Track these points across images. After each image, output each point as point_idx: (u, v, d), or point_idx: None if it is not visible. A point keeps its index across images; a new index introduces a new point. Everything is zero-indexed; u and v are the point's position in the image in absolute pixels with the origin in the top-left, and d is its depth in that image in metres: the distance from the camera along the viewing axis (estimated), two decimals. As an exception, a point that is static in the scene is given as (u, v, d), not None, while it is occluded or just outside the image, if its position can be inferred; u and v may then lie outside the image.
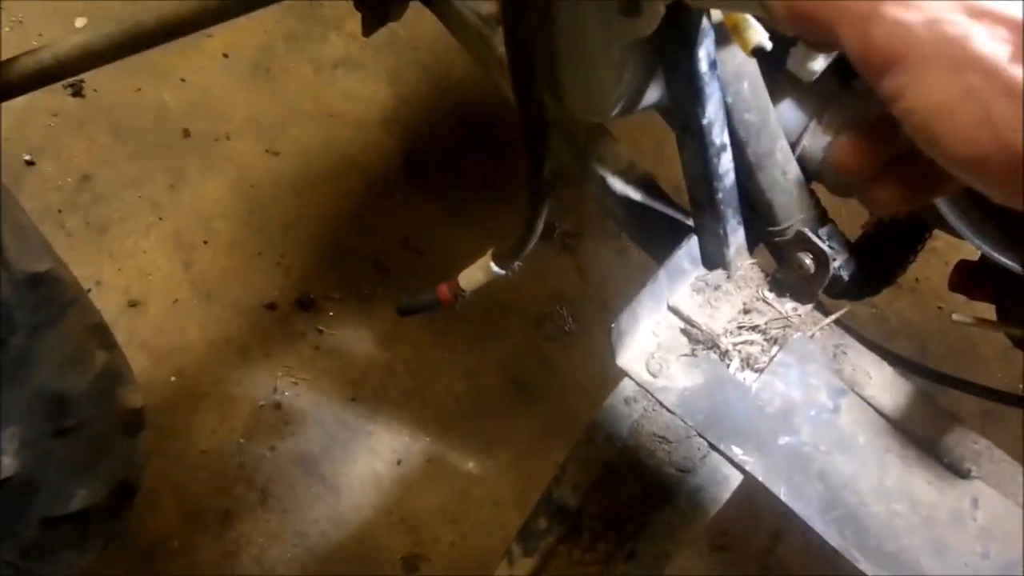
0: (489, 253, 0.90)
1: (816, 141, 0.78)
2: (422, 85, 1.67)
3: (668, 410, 0.75)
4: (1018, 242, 0.68)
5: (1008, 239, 0.68)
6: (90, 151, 1.49)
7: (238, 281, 1.41)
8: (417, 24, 1.50)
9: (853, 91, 0.76)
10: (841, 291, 0.83)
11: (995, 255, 0.67)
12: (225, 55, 1.62)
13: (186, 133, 1.53)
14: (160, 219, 1.43)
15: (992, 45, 0.33)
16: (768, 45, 0.59)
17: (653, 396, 0.71)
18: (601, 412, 0.71)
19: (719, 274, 0.83)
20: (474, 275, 0.91)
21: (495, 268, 0.89)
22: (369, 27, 1.00)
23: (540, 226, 0.84)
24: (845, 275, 0.80)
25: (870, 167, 0.46)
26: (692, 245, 0.82)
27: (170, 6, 1.00)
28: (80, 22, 1.57)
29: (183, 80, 1.57)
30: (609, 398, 0.71)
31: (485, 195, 1.54)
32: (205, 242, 1.44)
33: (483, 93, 1.62)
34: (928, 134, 0.34)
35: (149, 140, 1.50)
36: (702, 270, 0.83)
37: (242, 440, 1.28)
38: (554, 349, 1.46)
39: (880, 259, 0.82)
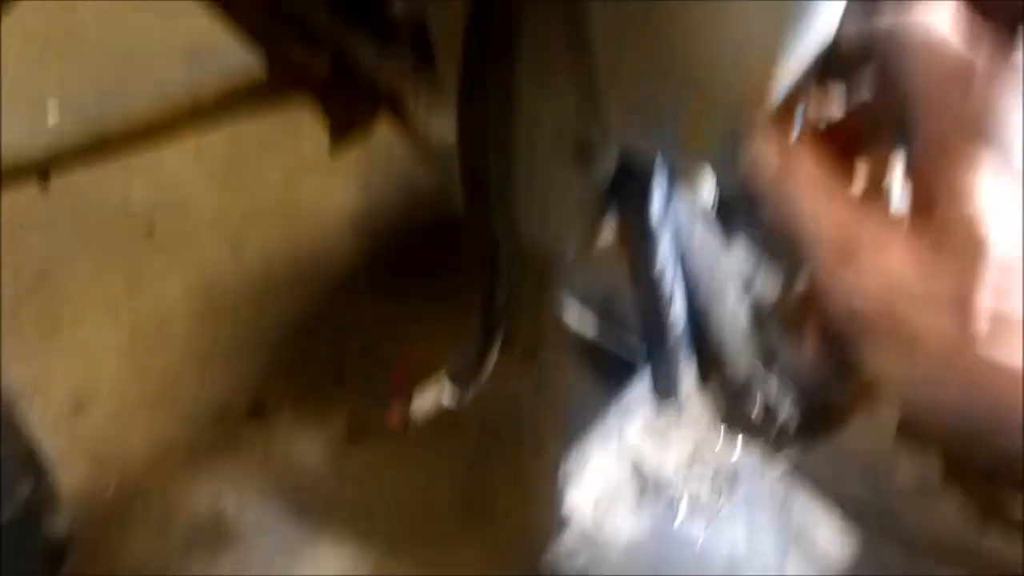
0: (440, 378, 0.89)
1: (767, 286, 0.79)
2: (392, 192, 1.68)
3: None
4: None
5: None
6: (51, 246, 1.47)
7: (190, 385, 1.38)
8: (391, 132, 1.53)
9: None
10: (791, 436, 0.83)
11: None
12: (196, 154, 1.63)
13: (150, 231, 1.52)
14: (115, 319, 1.41)
15: (939, 331, 0.33)
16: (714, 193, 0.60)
17: (596, 551, 0.70)
18: (544, 564, 0.69)
19: (671, 412, 0.82)
20: (423, 399, 0.90)
21: (446, 395, 0.88)
22: (336, 141, 1.01)
23: (494, 357, 0.83)
24: (792, 424, 0.80)
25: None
26: (645, 382, 0.82)
27: (149, 109, 1.02)
28: (53, 111, 1.58)
29: (152, 178, 1.58)
30: (553, 548, 0.69)
31: (449, 303, 1.54)
32: (159, 344, 1.41)
33: (452, 203, 1.64)
34: (887, 398, 0.36)
35: (112, 237, 1.49)
36: (654, 408, 0.83)
37: (179, 556, 1.23)
38: (509, 466, 1.43)
39: (827, 409, 0.82)
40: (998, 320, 0.32)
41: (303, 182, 1.67)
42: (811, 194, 0.39)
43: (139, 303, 1.45)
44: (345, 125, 1.00)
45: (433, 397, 0.88)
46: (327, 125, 1.00)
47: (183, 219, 1.55)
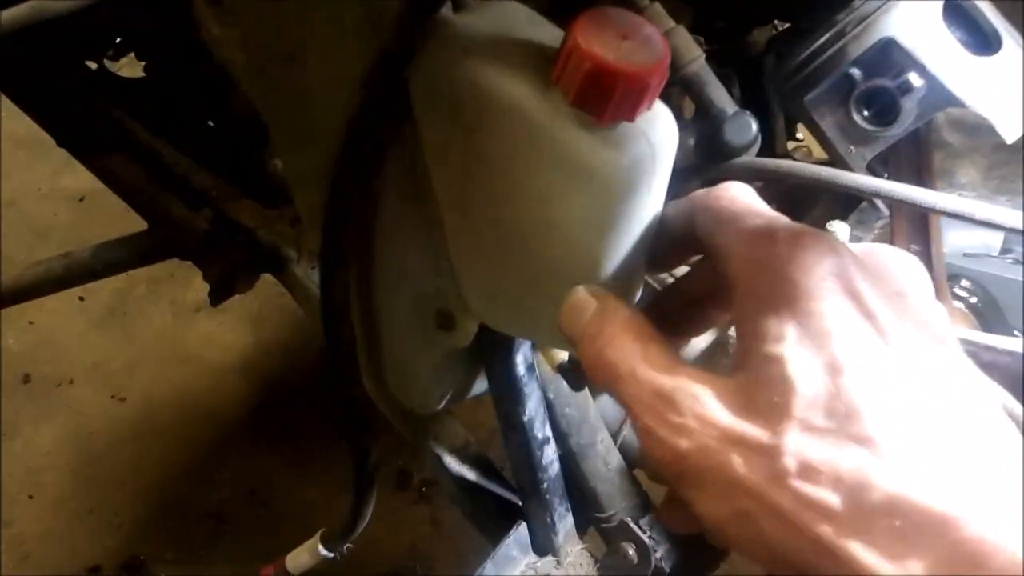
0: (318, 535, 0.87)
1: (635, 432, 0.82)
2: (284, 330, 1.68)
3: None
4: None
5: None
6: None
7: (61, 542, 1.31)
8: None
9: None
10: (668, 577, 0.85)
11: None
12: (81, 298, 1.60)
13: (26, 379, 1.47)
14: (-18, 472, 1.34)
15: (751, 470, 0.35)
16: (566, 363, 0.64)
17: None
18: None
19: (549, 561, 0.83)
20: (301, 558, 0.88)
21: (323, 551, 0.86)
22: (217, 299, 1.01)
23: (368, 512, 0.83)
24: (667, 566, 0.82)
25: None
26: (521, 531, 0.83)
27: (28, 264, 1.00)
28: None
29: (31, 323, 1.53)
30: None
31: (338, 447, 1.52)
32: (30, 497, 1.34)
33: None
34: (721, 539, 0.37)
35: (-17, 387, 1.43)
36: (532, 556, 0.83)
37: None
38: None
39: (702, 551, 0.84)
40: (804, 457, 0.34)
41: (193, 323, 1.65)
42: (627, 346, 0.41)
43: (10, 455, 1.38)
44: (226, 283, 1.01)
45: (308, 555, 0.86)
46: (209, 284, 1.01)
47: (62, 365, 1.50)
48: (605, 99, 0.44)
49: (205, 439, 1.47)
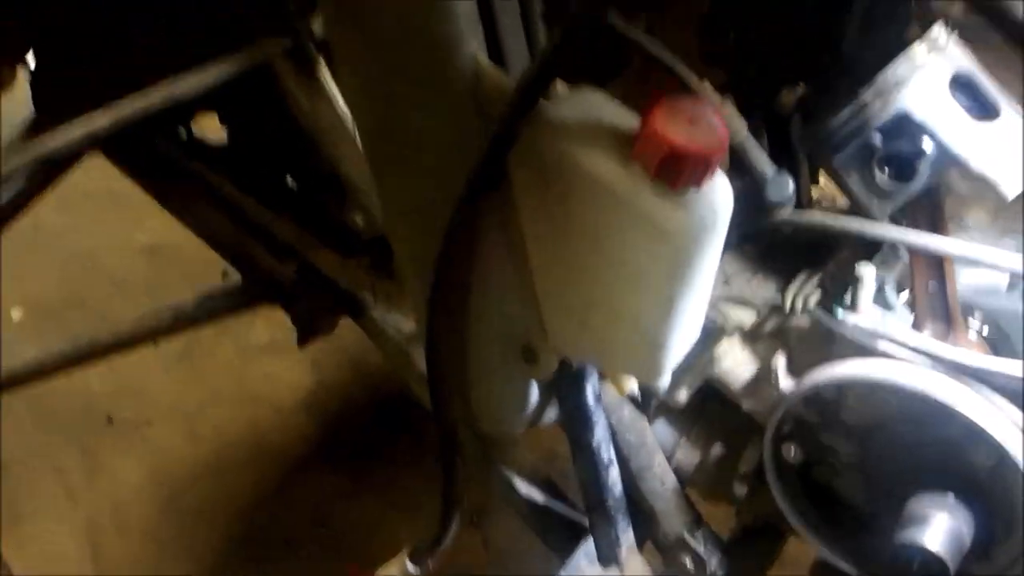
0: (404, 551, 0.97)
1: (687, 455, 0.92)
2: (344, 370, 1.79)
3: None
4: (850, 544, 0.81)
5: (843, 542, 0.81)
6: (13, 438, 1.52)
7: (147, 570, 1.41)
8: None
9: (712, 410, 0.91)
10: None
11: (832, 557, 0.80)
12: (155, 343, 1.72)
13: (109, 419, 1.59)
14: (74, 508, 1.45)
15: None
16: (637, 393, 0.74)
17: None
18: None
19: (613, 571, 0.92)
20: (390, 571, 0.98)
21: (411, 567, 0.96)
22: (303, 340, 1.13)
23: (454, 529, 0.93)
24: (720, 574, 0.91)
25: None
26: (588, 545, 0.92)
27: (125, 318, 1.12)
28: (16, 314, 1.67)
29: (112, 367, 1.65)
30: None
31: (400, 476, 1.62)
32: (117, 530, 1.45)
33: (401, 384, 1.75)
34: None
35: (73, 427, 1.55)
36: (598, 568, 0.93)
37: None
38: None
39: (750, 560, 0.93)
40: None
41: (257, 363, 1.76)
42: None
43: (98, 491, 1.49)
44: (311, 327, 1.12)
45: (397, 571, 0.95)
46: (295, 327, 1.13)
47: (141, 407, 1.62)
48: (679, 173, 0.55)
49: (274, 473, 1.58)
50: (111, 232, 1.86)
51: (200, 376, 1.68)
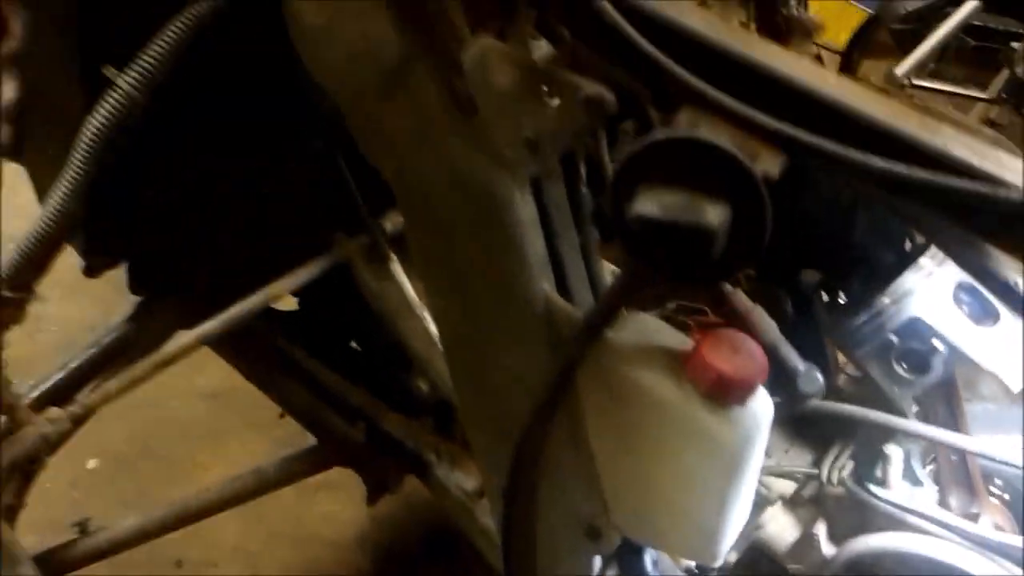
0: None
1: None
2: (397, 507, 1.86)
3: None
4: None
5: None
6: (86, 585, 1.60)
7: None
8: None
9: (761, 571, 0.98)
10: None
11: None
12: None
13: (179, 563, 1.67)
14: (148, 652, 1.52)
15: None
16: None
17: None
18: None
19: None
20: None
21: None
22: (373, 499, 1.22)
23: None
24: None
25: None
26: None
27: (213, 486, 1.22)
28: (92, 463, 1.77)
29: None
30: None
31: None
32: (189, 672, 1.51)
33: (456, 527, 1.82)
34: None
35: (143, 572, 1.62)
36: None
37: None
38: None
39: None
40: None
41: (314, 502, 1.84)
42: None
43: (169, 635, 1.56)
44: (380, 486, 1.22)
45: None
46: (366, 487, 1.22)
47: (207, 549, 1.70)
48: (725, 395, 0.66)
49: (335, 612, 1.65)
50: (174, 378, 1.97)
51: (262, 517, 1.76)
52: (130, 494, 1.80)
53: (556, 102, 0.62)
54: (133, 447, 1.90)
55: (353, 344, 1.34)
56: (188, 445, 1.92)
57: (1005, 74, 3.40)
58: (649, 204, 0.53)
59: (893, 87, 2.36)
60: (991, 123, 3.24)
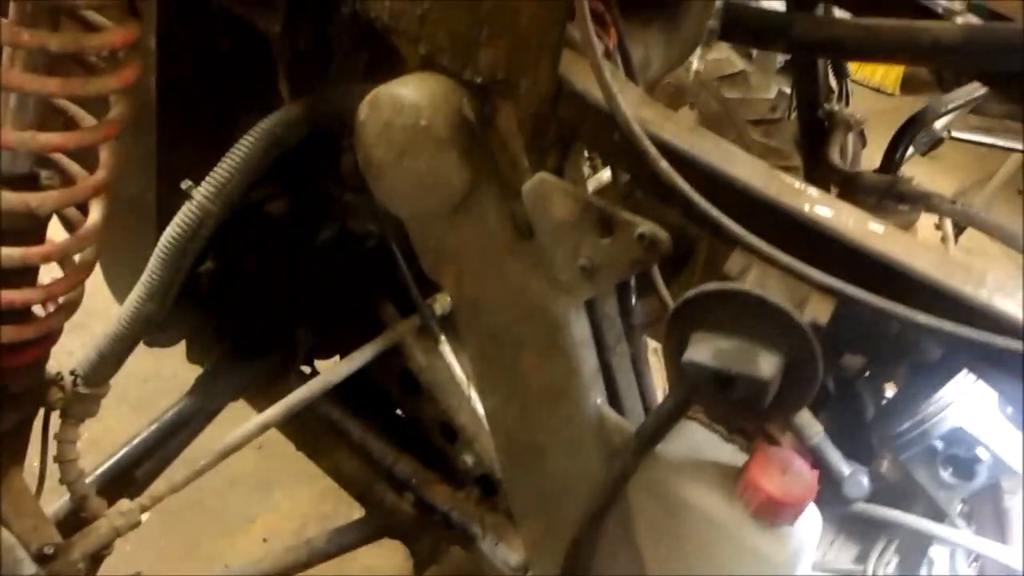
0: None
1: None
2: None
3: None
4: None
5: None
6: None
7: None
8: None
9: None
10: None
11: None
12: (264, 539, 1.85)
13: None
14: None
15: None
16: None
17: None
18: None
19: None
20: None
21: None
22: (420, 570, 1.25)
23: None
24: None
25: None
26: None
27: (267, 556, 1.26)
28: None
29: (226, 566, 1.78)
30: None
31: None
32: None
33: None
34: None
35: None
36: None
37: None
38: None
39: None
40: None
41: (357, 554, 1.87)
42: None
43: None
44: (428, 558, 1.25)
45: None
46: (414, 559, 1.25)
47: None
48: (775, 515, 0.68)
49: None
50: (221, 428, 2.02)
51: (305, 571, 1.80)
52: (180, 547, 1.84)
53: (611, 237, 0.65)
54: (182, 498, 1.93)
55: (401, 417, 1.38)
56: (236, 496, 1.96)
57: (1047, 118, 3.37)
58: (703, 351, 0.56)
59: (932, 140, 2.36)
60: (1033, 170, 3.22)
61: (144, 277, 0.85)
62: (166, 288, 0.85)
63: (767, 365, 0.54)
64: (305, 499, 1.94)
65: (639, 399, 0.78)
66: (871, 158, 1.12)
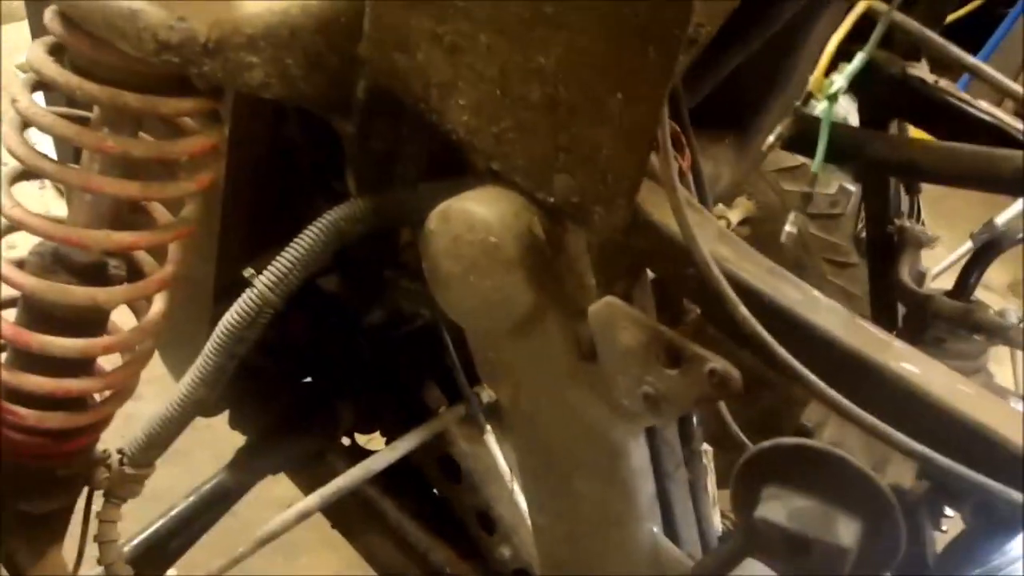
0: None
1: None
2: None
3: None
4: None
5: None
6: None
7: None
8: None
9: None
10: None
11: None
12: None
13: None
14: None
15: None
16: None
17: None
18: None
19: None
20: None
21: None
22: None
23: None
24: None
25: None
26: None
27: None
28: (171, 572, 1.81)
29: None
30: None
31: None
32: None
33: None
34: None
35: None
36: None
37: None
38: None
39: None
40: None
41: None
42: None
43: None
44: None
45: None
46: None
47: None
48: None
49: None
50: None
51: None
52: (206, 607, 1.81)
53: (679, 369, 0.63)
54: (210, 556, 1.92)
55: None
56: (261, 559, 1.93)
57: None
58: (776, 510, 0.54)
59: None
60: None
61: (199, 362, 0.84)
62: (219, 374, 0.84)
63: (847, 532, 0.52)
64: (330, 564, 1.91)
65: (695, 528, 0.75)
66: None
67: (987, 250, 0.98)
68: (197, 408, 0.88)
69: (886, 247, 0.99)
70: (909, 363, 0.56)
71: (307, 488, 1.36)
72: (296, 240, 0.84)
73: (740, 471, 0.55)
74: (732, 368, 0.61)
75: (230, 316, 0.84)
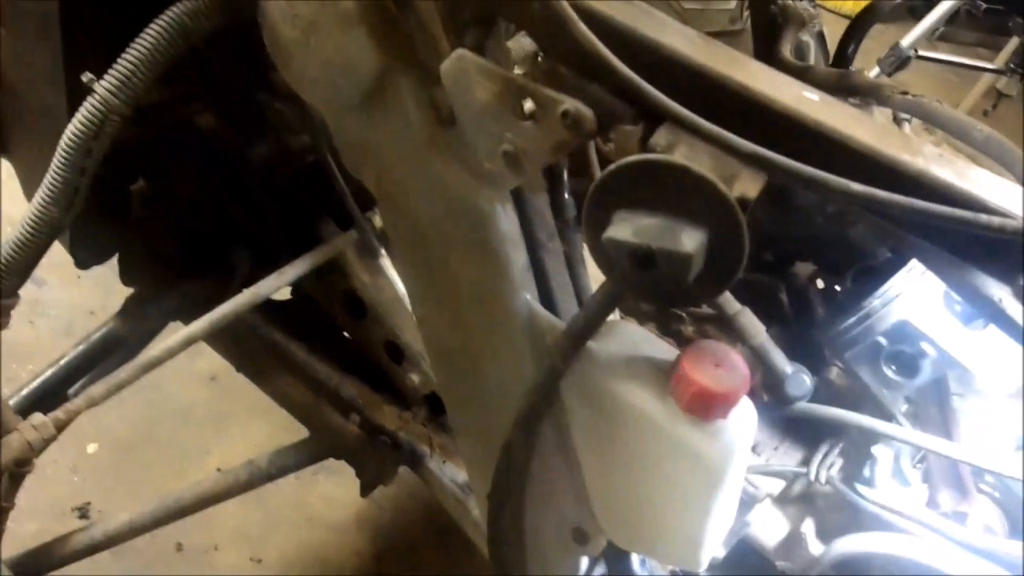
0: None
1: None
2: (397, 489, 1.88)
3: None
4: None
5: None
6: (87, 566, 1.62)
7: None
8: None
9: (749, 565, 0.99)
10: None
11: None
12: (219, 468, 1.82)
13: (179, 547, 1.69)
14: (147, 638, 1.54)
15: None
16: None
17: None
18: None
19: None
20: None
21: None
22: (366, 491, 1.23)
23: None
24: None
25: None
26: None
27: (207, 479, 1.23)
28: (92, 448, 1.78)
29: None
30: None
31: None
32: (190, 656, 1.54)
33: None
34: None
35: (144, 557, 1.64)
36: None
37: None
38: None
39: None
40: None
41: (314, 483, 1.86)
42: None
43: (170, 620, 1.58)
44: (375, 479, 1.23)
45: None
46: (360, 480, 1.23)
47: (207, 533, 1.72)
48: (707, 409, 0.65)
49: (335, 593, 1.67)
50: (173, 361, 1.97)
51: (261, 501, 1.78)
52: (131, 479, 1.81)
53: (535, 118, 0.61)
54: (133, 431, 1.91)
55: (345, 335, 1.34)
56: (189, 430, 1.93)
57: (1015, 42, 3.32)
58: (624, 229, 0.53)
59: (899, 59, 2.31)
60: (998, 93, 3.19)
61: (47, 179, 0.79)
62: (70, 192, 0.79)
63: (689, 240, 0.51)
64: (260, 432, 1.91)
65: (574, 299, 0.74)
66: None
67: (867, 13, 0.97)
68: (53, 231, 0.83)
69: (770, 29, 0.96)
70: (756, 75, 0.54)
71: (224, 351, 1.33)
72: (137, 39, 0.78)
73: (590, 198, 0.54)
74: (584, 107, 0.58)
75: (73, 126, 0.78)
